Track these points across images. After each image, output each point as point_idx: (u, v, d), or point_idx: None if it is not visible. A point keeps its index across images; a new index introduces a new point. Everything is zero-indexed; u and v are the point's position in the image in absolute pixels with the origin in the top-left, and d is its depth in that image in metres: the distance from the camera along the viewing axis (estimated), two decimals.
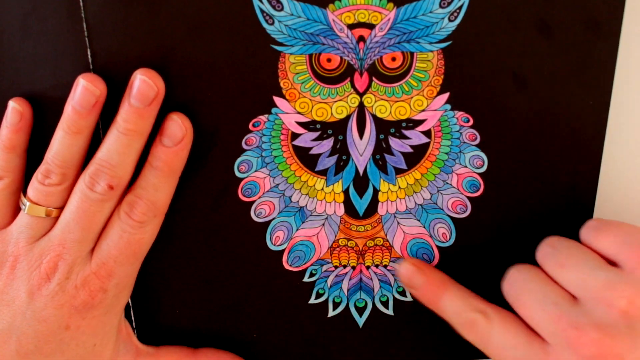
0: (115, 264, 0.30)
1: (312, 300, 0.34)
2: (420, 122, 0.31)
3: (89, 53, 0.30)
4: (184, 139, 0.30)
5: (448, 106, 0.31)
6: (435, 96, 0.31)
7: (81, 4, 0.29)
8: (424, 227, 0.33)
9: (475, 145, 0.32)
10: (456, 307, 0.31)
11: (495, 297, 0.34)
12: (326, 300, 0.34)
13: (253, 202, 0.32)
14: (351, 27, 0.29)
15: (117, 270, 0.30)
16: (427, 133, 0.31)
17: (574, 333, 0.27)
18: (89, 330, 0.30)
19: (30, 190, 0.30)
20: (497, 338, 0.29)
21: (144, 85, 0.29)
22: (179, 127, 0.30)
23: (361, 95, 0.31)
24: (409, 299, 0.34)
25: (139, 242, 0.30)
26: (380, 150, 0.32)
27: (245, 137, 0.31)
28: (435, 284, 0.32)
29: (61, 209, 0.30)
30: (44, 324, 0.29)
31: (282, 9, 0.29)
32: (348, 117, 0.31)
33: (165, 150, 0.30)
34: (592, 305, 0.27)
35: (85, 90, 0.29)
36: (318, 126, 0.31)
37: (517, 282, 0.30)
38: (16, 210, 0.31)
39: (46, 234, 0.30)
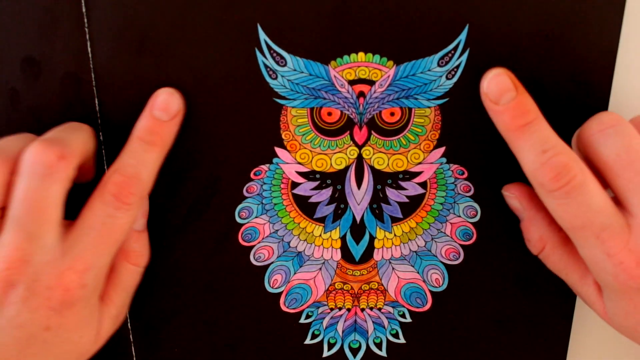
0: (93, 255, 0.27)
1: (308, 341, 0.35)
2: (416, 174, 0.32)
3: (96, 102, 0.31)
4: (179, 113, 0.29)
5: (444, 159, 0.32)
6: (432, 150, 0.32)
7: (90, 54, 0.30)
8: (418, 272, 0.34)
9: (469, 197, 0.33)
10: (548, 142, 0.26)
11: (489, 343, 0.35)
12: (321, 341, 0.35)
13: (253, 246, 0.33)
14: (352, 82, 0.30)
15: (95, 261, 0.27)
16: (423, 184, 0.33)
17: None
18: (71, 326, 0.28)
19: None
20: (586, 196, 0.26)
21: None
22: (175, 99, 0.29)
23: (360, 147, 0.32)
24: (402, 341, 0.35)
25: (122, 227, 0.28)
26: (377, 200, 0.33)
27: (247, 185, 0.32)
28: (527, 105, 0.26)
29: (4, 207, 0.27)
30: (22, 330, 0.27)
31: (285, 65, 0.30)
32: (347, 168, 0.32)
33: (162, 125, 0.29)
34: None
35: None
36: (317, 176, 0.32)
37: (619, 135, 0.26)
38: None
39: None
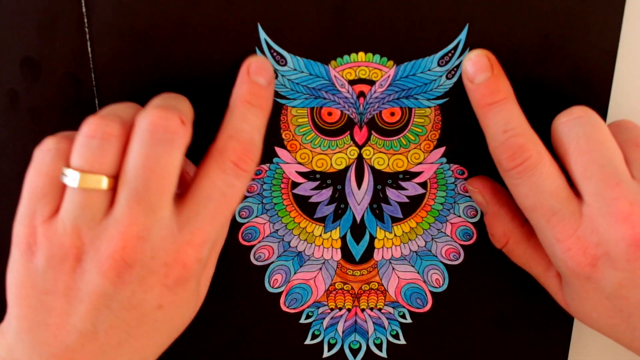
0: (211, 227, 0.26)
1: (308, 341, 0.35)
2: (416, 174, 0.32)
3: (96, 102, 0.31)
4: (274, 78, 0.29)
5: (444, 159, 0.32)
6: (432, 150, 0.32)
7: (90, 54, 0.30)
8: (418, 272, 0.34)
9: (470, 197, 0.33)
10: (510, 123, 0.27)
11: (489, 343, 0.35)
12: (322, 342, 0.35)
13: (253, 246, 0.33)
14: (352, 82, 0.30)
15: (212, 233, 0.26)
16: (423, 184, 0.33)
17: (626, 207, 0.25)
18: (182, 301, 0.27)
19: (77, 157, 0.25)
20: (539, 177, 0.26)
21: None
22: (268, 63, 0.28)
23: (360, 147, 0.32)
24: (402, 342, 0.35)
25: (240, 196, 0.27)
26: (377, 200, 0.33)
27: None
28: (499, 85, 0.28)
29: (116, 177, 0.25)
30: (134, 311, 0.25)
31: (285, 64, 0.30)
32: (347, 168, 0.32)
33: (263, 88, 0.28)
34: None
35: None
36: (317, 176, 0.32)
37: (583, 125, 0.27)
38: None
39: (109, 211, 0.25)
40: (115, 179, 0.25)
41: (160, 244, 0.25)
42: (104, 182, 0.25)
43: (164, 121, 0.25)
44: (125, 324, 0.26)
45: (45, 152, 0.26)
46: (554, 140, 0.28)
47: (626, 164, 0.27)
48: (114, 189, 0.25)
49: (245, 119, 0.27)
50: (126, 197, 0.25)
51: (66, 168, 0.25)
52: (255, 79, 0.28)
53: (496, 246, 0.32)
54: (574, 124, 0.27)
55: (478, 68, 0.28)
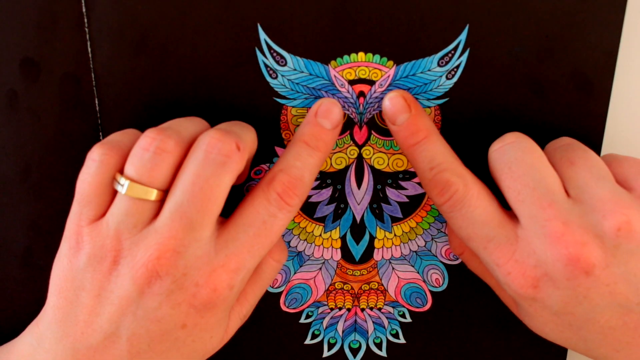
0: (248, 253, 0.26)
1: (308, 341, 0.35)
2: (416, 174, 0.32)
3: (96, 102, 0.31)
4: (340, 123, 0.29)
5: None
6: None
7: (90, 54, 0.30)
8: (418, 272, 0.34)
9: None
10: (434, 160, 0.28)
11: (489, 343, 0.35)
12: (321, 341, 0.35)
13: None
14: (352, 82, 0.30)
15: (248, 262, 0.26)
16: None
17: (559, 227, 0.25)
18: (206, 326, 0.27)
19: (130, 166, 0.26)
20: (469, 209, 0.27)
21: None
22: (337, 108, 0.29)
23: (360, 147, 0.32)
24: (402, 341, 0.35)
25: (280, 229, 0.27)
26: (377, 200, 0.33)
27: (247, 185, 0.32)
28: (419, 125, 0.29)
29: (166, 191, 0.26)
30: (158, 324, 0.26)
31: (285, 64, 0.30)
32: (347, 167, 0.32)
33: (325, 132, 0.28)
34: (588, 211, 0.26)
35: None
36: (317, 176, 0.32)
37: (515, 150, 0.28)
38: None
39: (152, 221, 0.26)
40: (165, 192, 0.26)
41: (195, 263, 0.25)
42: (153, 194, 0.26)
43: (220, 143, 0.26)
44: (147, 335, 0.26)
45: (91, 160, 0.27)
46: (490, 168, 0.29)
47: (563, 182, 0.27)
48: (162, 200, 0.26)
49: (299, 157, 0.28)
50: (170, 210, 0.25)
51: (119, 175, 0.26)
52: (320, 121, 0.29)
53: (454, 253, 0.33)
54: (506, 149, 0.28)
55: (396, 110, 0.29)
